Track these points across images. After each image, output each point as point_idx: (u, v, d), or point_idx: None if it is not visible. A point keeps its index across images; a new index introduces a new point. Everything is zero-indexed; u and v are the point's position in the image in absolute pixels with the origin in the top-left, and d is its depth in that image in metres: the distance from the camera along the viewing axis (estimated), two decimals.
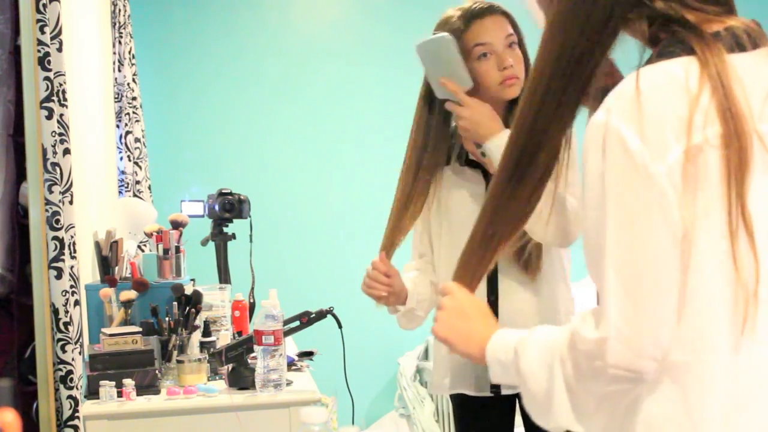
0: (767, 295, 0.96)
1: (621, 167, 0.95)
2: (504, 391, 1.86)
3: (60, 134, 1.95)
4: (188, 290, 2.36)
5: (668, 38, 1.03)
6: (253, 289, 2.84)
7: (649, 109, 0.95)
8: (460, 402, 1.94)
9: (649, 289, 0.95)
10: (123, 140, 3.39)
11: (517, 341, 1.08)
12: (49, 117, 1.91)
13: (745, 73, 0.99)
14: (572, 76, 1.04)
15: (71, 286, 1.98)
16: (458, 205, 1.88)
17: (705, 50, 0.99)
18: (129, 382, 2.08)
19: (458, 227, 1.84)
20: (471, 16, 1.80)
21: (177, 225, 2.62)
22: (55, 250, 1.93)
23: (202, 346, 2.35)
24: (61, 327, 1.94)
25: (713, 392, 0.96)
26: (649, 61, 1.03)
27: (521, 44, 1.83)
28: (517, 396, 1.87)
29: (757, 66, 1.02)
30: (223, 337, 2.45)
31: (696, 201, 0.95)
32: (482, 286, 1.84)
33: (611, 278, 0.95)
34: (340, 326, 2.22)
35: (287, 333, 2.17)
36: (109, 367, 2.13)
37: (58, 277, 1.94)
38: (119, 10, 3.39)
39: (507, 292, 1.85)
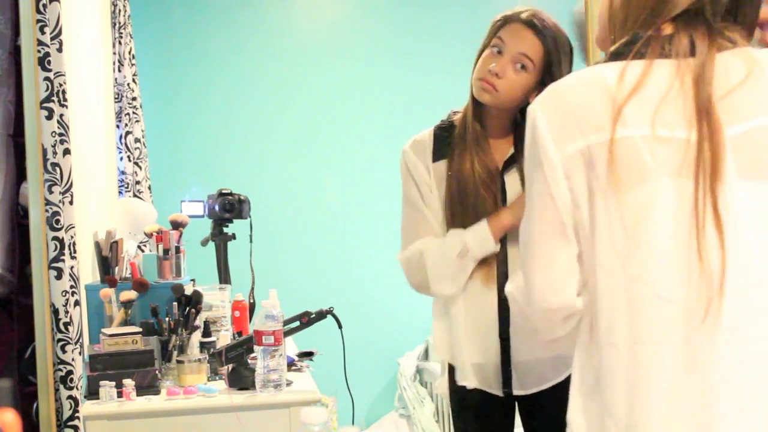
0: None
1: (530, 147, 1.10)
2: (516, 392, 1.86)
3: (60, 134, 1.95)
4: (188, 290, 2.36)
5: (626, 39, 1.10)
6: (253, 289, 2.84)
7: (562, 101, 1.08)
8: (459, 399, 1.94)
9: (532, 258, 1.12)
10: (123, 140, 3.39)
11: None
12: (49, 117, 1.91)
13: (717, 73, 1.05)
14: None
15: (71, 287, 1.98)
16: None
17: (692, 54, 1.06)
18: (129, 383, 2.08)
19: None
20: (517, 18, 1.82)
21: (177, 225, 2.62)
22: (55, 250, 1.93)
23: (202, 346, 2.35)
24: (61, 327, 1.94)
25: (612, 374, 1.05)
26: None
27: (545, 78, 1.79)
28: (517, 397, 1.88)
29: (728, 64, 1.07)
30: (223, 337, 2.45)
31: (601, 196, 1.04)
32: (493, 282, 1.84)
33: (520, 236, 1.16)
34: (340, 326, 2.22)
35: (287, 333, 2.17)
36: (109, 367, 2.13)
37: (58, 277, 1.94)
38: (119, 10, 3.39)
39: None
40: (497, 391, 1.86)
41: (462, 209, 1.84)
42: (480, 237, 1.80)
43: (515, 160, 1.86)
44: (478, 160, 1.84)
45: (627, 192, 1.03)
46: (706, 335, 1.01)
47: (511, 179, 1.86)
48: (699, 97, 1.03)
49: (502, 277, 1.84)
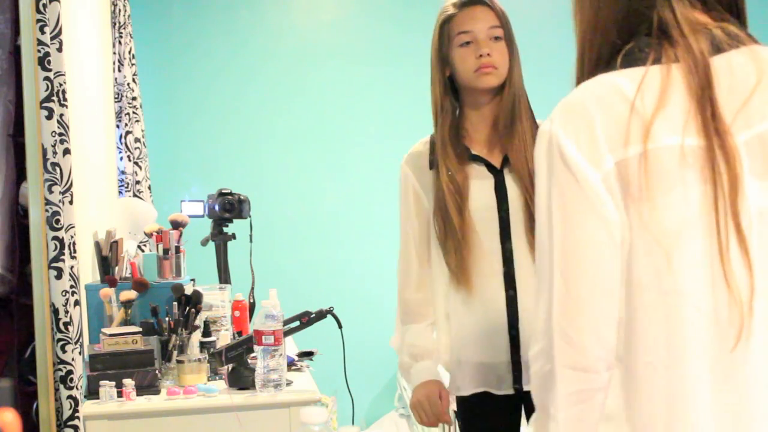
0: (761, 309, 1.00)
1: (560, 173, 1.00)
2: (526, 388, 1.86)
3: (60, 134, 1.95)
4: (188, 290, 2.36)
5: (633, 45, 1.05)
6: (253, 289, 2.84)
7: (585, 118, 1.00)
8: (464, 400, 1.94)
9: (588, 290, 1.00)
10: (123, 140, 3.39)
11: None
12: (49, 117, 1.91)
13: (723, 75, 1.01)
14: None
15: (71, 286, 1.98)
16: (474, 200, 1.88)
17: (688, 60, 1.01)
18: (129, 382, 2.08)
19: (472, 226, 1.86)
20: (461, 5, 1.88)
21: (177, 225, 2.62)
22: (55, 250, 1.93)
23: (202, 346, 2.35)
24: (61, 327, 1.94)
25: (649, 395, 1.00)
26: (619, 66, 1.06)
27: (509, 40, 1.88)
28: (522, 397, 1.88)
29: (736, 66, 1.03)
30: (223, 337, 2.45)
31: (635, 211, 0.99)
32: (499, 280, 1.85)
33: (557, 279, 1.00)
34: (340, 326, 2.22)
35: (287, 333, 2.17)
36: (109, 367, 2.13)
37: (58, 277, 1.94)
38: (119, 10, 3.40)
39: (526, 285, 1.85)
40: (507, 389, 1.87)
41: (444, 219, 1.87)
42: (415, 377, 1.91)
43: (508, 160, 1.88)
44: (447, 170, 1.87)
45: (660, 204, 0.99)
46: (740, 351, 0.99)
47: (509, 177, 1.88)
48: (703, 105, 0.99)
49: (508, 276, 1.84)
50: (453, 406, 1.97)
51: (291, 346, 2.62)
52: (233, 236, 2.93)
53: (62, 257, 1.94)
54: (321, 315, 2.20)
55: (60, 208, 1.94)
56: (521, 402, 1.91)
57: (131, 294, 2.37)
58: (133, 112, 3.51)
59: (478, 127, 1.91)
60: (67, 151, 1.97)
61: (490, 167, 1.88)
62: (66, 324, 1.95)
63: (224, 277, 2.90)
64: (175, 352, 2.27)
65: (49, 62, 1.90)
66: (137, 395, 2.09)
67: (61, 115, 1.96)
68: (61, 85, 1.96)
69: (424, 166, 1.92)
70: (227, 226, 2.92)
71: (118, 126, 3.39)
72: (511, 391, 1.87)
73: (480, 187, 1.87)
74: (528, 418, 1.95)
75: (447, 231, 1.86)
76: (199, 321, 2.37)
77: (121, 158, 3.39)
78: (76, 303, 2.00)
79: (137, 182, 3.51)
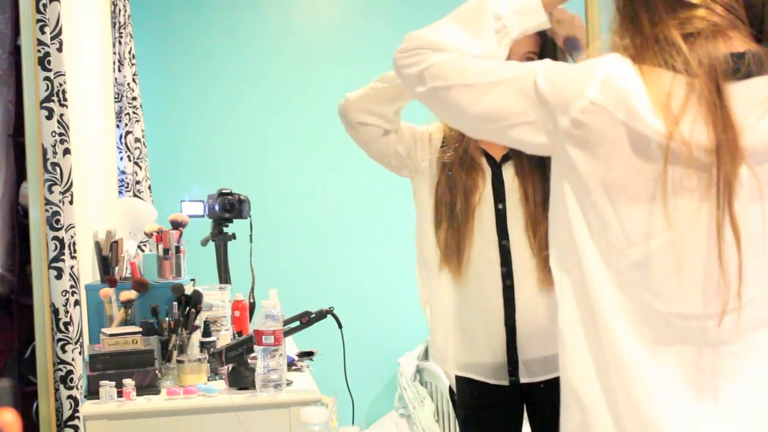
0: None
1: None
2: (523, 380, 1.87)
3: (60, 134, 1.95)
4: (188, 290, 2.36)
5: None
6: (253, 289, 2.84)
7: None
8: (461, 389, 1.95)
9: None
10: (123, 140, 3.39)
11: None
12: (49, 117, 1.91)
13: (739, 98, 1.03)
14: None
15: (71, 286, 1.98)
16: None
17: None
18: (129, 382, 2.08)
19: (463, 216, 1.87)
20: None
21: (177, 225, 2.62)
22: (55, 250, 1.93)
23: (202, 346, 2.35)
24: (61, 327, 1.94)
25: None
26: None
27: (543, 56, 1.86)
28: (521, 389, 1.89)
29: (753, 92, 1.05)
30: (223, 337, 2.45)
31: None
32: (496, 272, 1.85)
33: None
34: (340, 326, 2.22)
35: (287, 333, 2.17)
36: (109, 367, 2.13)
37: (58, 277, 1.94)
38: (119, 10, 3.39)
39: (522, 277, 1.86)
40: (503, 380, 1.88)
41: (451, 192, 1.89)
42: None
43: (509, 156, 1.90)
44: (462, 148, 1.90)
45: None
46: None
47: (507, 172, 1.89)
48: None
49: (505, 268, 1.86)
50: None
51: (291, 346, 2.62)
52: (233, 236, 2.93)
53: (62, 257, 1.94)
54: (321, 315, 2.20)
55: (60, 208, 1.94)
56: (520, 394, 1.92)
57: (131, 294, 2.37)
58: (133, 112, 3.51)
59: None
60: (67, 151, 1.97)
61: (490, 159, 1.90)
62: (66, 324, 1.95)
63: (224, 277, 2.90)
64: (175, 352, 2.27)
65: (49, 62, 1.90)
66: (137, 395, 2.09)
67: (61, 115, 1.96)
68: (61, 85, 1.96)
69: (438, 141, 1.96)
70: (227, 226, 2.92)
71: (118, 126, 3.39)
72: (506, 383, 1.88)
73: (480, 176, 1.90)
74: (530, 410, 1.96)
75: (450, 205, 1.88)
76: (199, 321, 2.37)
77: (121, 158, 3.39)
78: (76, 303, 2.00)
79: (137, 182, 3.51)
